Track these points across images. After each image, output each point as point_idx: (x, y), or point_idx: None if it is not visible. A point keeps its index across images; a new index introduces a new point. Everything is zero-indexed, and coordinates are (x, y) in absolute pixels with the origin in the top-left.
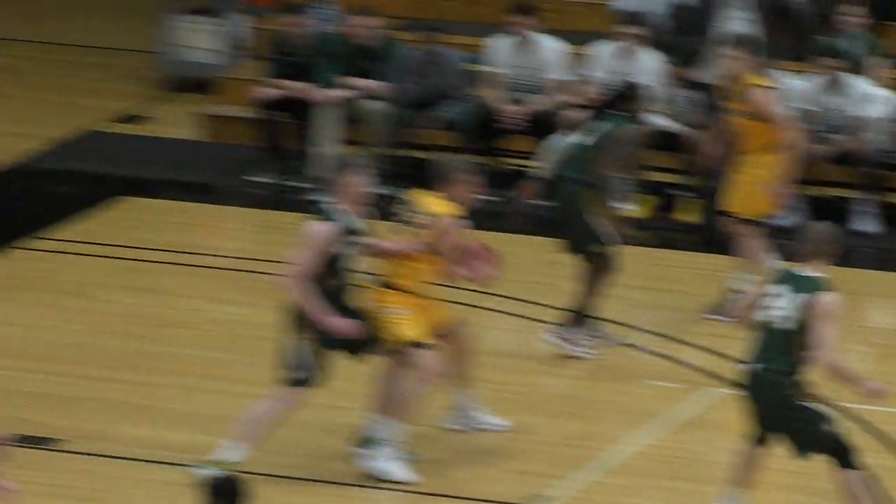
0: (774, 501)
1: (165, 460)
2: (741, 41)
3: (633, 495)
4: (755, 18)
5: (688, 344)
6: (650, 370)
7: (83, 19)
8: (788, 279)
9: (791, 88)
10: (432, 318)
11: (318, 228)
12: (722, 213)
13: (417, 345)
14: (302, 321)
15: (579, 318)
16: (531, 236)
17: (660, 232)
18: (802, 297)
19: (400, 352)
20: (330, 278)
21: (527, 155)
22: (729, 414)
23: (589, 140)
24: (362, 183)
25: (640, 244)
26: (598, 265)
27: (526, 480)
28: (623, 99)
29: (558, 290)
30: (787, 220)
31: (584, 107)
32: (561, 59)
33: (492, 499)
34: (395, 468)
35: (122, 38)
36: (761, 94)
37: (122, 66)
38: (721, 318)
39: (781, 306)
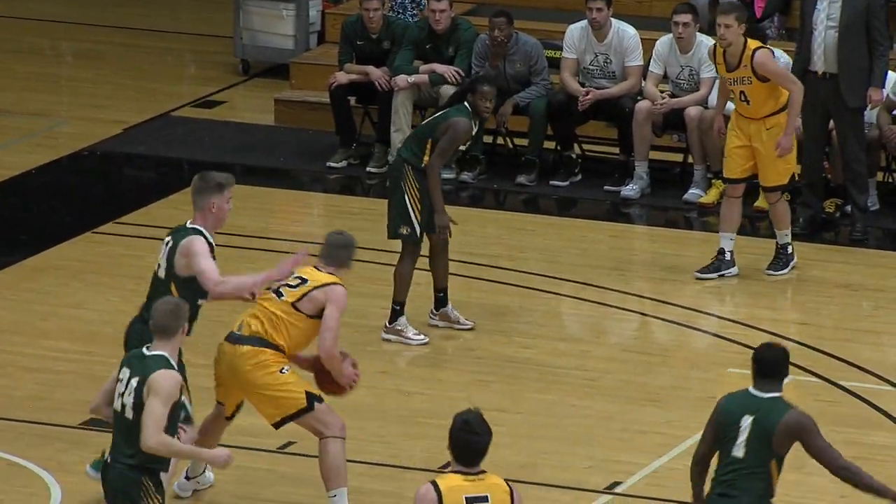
0: None
1: (247, 445)
2: (730, 8)
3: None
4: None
5: (761, 330)
6: (725, 356)
7: (161, 5)
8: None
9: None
10: None
11: (198, 242)
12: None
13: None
14: None
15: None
16: (603, 221)
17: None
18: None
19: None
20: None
21: (601, 141)
22: (802, 400)
23: (424, 123)
24: (223, 204)
25: (711, 229)
26: (406, 249)
27: (603, 467)
28: (466, 91)
29: (631, 275)
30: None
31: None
32: (637, 46)
33: (569, 485)
34: None
35: (199, 24)
36: (764, 56)
37: (199, 51)
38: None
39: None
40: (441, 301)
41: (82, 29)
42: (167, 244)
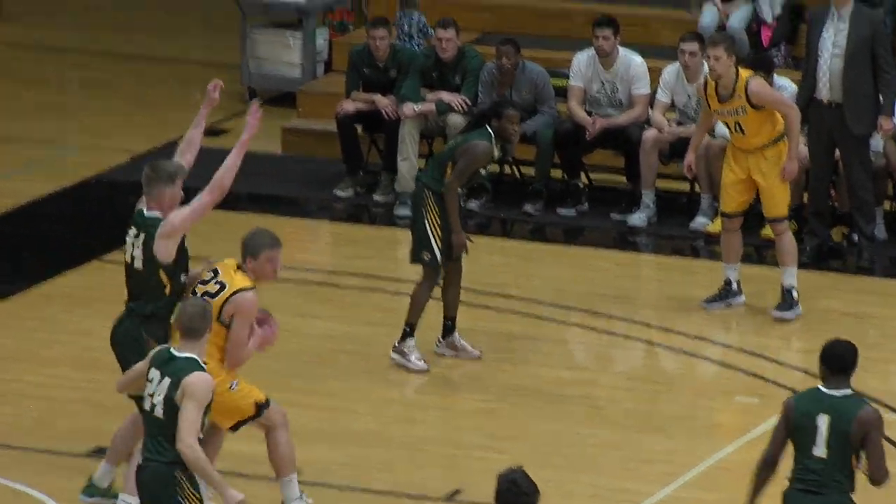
0: None
1: (257, 474)
2: (719, 39)
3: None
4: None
5: (769, 358)
6: (732, 385)
7: (168, 33)
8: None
9: None
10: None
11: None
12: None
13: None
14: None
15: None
16: (610, 250)
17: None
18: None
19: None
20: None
21: (608, 169)
22: None
23: (445, 148)
24: (175, 193)
25: (718, 258)
26: (427, 274)
27: (608, 496)
28: (488, 115)
29: (638, 304)
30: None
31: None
32: (644, 75)
33: None
34: None
35: (206, 52)
36: (758, 84)
37: (206, 79)
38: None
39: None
40: (448, 329)
41: (89, 58)
42: (136, 236)
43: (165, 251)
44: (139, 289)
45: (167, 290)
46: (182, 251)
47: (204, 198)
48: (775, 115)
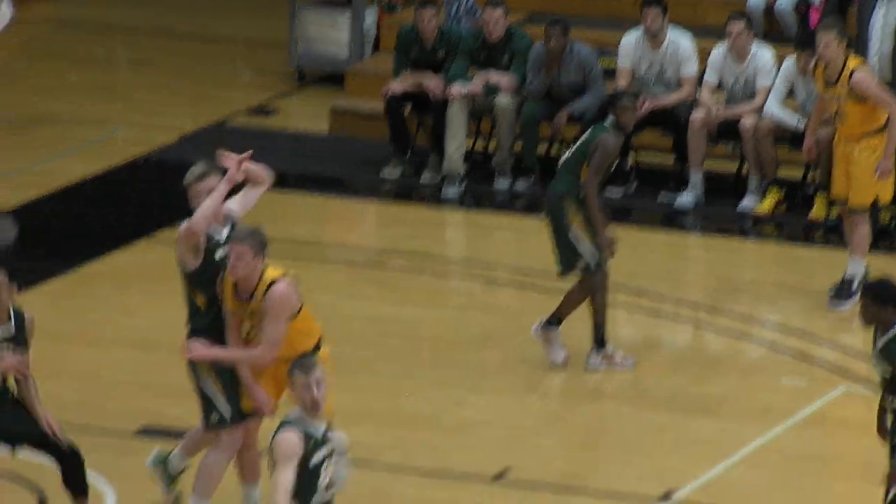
0: None
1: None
2: (830, 24)
3: (759, 492)
4: None
5: (817, 340)
6: (779, 367)
7: (216, 12)
8: None
9: None
10: None
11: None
12: (834, 203)
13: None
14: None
15: (599, 338)
16: (657, 230)
17: (787, 227)
18: None
19: None
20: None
21: (656, 150)
22: (857, 411)
23: (571, 153)
24: (195, 198)
25: (767, 239)
26: (587, 282)
27: (657, 476)
28: (606, 108)
29: (685, 284)
30: None
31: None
32: (692, 55)
33: (621, 495)
34: None
35: (255, 31)
36: (863, 76)
37: (254, 58)
38: (841, 305)
39: None
40: (554, 322)
41: (138, 36)
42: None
43: (185, 258)
44: (186, 303)
45: (201, 305)
46: (209, 263)
47: (194, 222)
48: (877, 109)
